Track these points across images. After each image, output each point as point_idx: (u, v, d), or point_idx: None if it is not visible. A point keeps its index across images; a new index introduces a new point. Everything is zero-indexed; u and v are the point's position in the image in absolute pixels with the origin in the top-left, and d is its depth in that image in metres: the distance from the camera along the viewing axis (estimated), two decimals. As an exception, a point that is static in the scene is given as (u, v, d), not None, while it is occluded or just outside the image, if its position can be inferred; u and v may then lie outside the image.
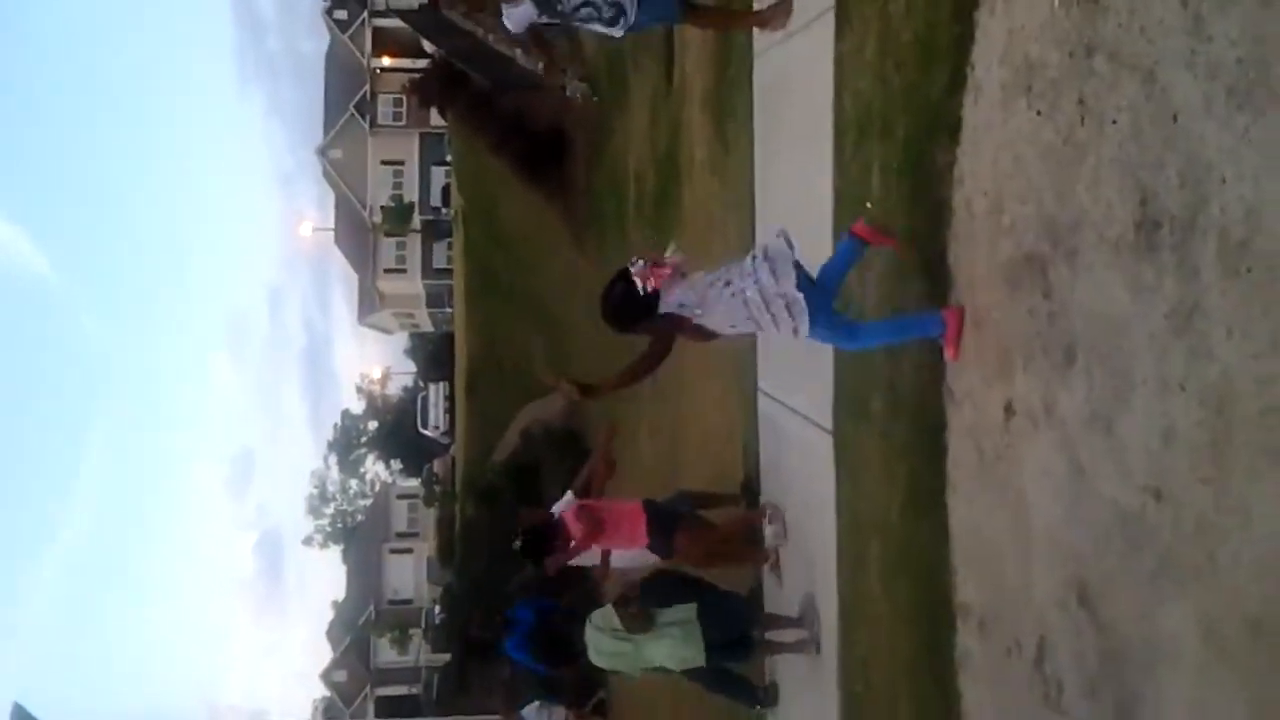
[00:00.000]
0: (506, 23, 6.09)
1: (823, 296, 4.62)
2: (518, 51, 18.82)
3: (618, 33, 6.10)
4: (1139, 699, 3.30)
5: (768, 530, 7.03)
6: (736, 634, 6.69)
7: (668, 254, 5.01)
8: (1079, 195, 3.55)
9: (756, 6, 7.03)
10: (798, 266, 4.55)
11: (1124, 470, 3.35)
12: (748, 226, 7.69)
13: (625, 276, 4.81)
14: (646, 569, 7.20)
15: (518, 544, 6.76)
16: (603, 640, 6.55)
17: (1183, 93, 3.04)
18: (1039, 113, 3.79)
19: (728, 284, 4.62)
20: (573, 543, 6.63)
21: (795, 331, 4.59)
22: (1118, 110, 3.33)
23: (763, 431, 7.57)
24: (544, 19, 6.00)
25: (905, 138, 4.95)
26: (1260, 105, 2.75)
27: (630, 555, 6.98)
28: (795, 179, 6.64)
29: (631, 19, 5.97)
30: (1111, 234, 3.37)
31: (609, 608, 6.55)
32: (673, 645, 6.36)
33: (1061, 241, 3.68)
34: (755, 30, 7.05)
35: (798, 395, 6.66)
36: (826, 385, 5.99)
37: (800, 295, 4.48)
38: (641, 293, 4.73)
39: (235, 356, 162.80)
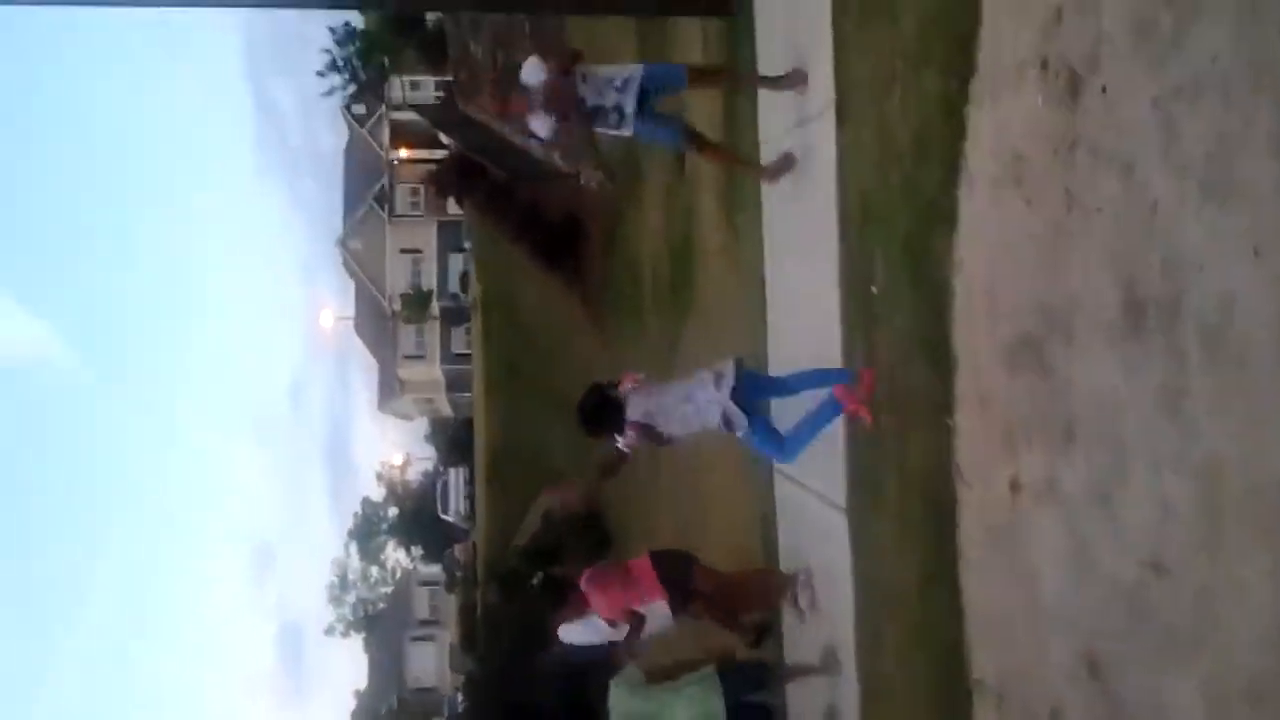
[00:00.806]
0: (537, 130, 6.43)
1: (764, 416, 5.92)
2: (532, 143, 19.29)
3: (626, 131, 6.41)
4: (1150, 769, 3.38)
5: (801, 598, 7.08)
6: (758, 693, 6.80)
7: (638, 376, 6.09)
8: (1070, 281, 3.73)
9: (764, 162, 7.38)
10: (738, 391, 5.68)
11: (1125, 545, 3.48)
12: (759, 313, 7.89)
13: (598, 389, 5.99)
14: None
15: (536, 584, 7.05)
16: (627, 701, 6.64)
17: (1159, 186, 3.23)
18: (1028, 203, 4.00)
19: (686, 399, 5.80)
20: (590, 612, 6.79)
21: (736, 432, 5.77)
22: (1100, 201, 3.53)
23: (780, 513, 7.68)
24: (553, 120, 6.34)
25: (906, 227, 5.16)
26: (1227, 198, 2.94)
27: (657, 619, 7.00)
28: (803, 267, 6.85)
29: (631, 124, 6.31)
30: (1102, 318, 3.54)
31: (632, 666, 6.67)
32: (692, 704, 6.45)
33: (1056, 324, 3.85)
34: (756, 173, 7.48)
35: (813, 476, 6.79)
36: (840, 465, 6.13)
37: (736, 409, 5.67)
38: (611, 402, 5.86)
39: (258, 446, 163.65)
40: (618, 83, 6.26)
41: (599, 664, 7.83)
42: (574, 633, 7.07)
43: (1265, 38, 2.80)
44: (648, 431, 5.84)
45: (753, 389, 5.85)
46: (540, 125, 6.38)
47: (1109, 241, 3.49)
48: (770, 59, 7.39)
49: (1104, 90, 3.50)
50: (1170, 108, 3.16)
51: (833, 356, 6.12)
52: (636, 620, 6.92)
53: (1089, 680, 3.70)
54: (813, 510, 6.81)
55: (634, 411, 5.80)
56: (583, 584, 6.90)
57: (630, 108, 6.24)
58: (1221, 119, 2.96)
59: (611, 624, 6.87)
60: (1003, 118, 4.20)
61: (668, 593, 6.91)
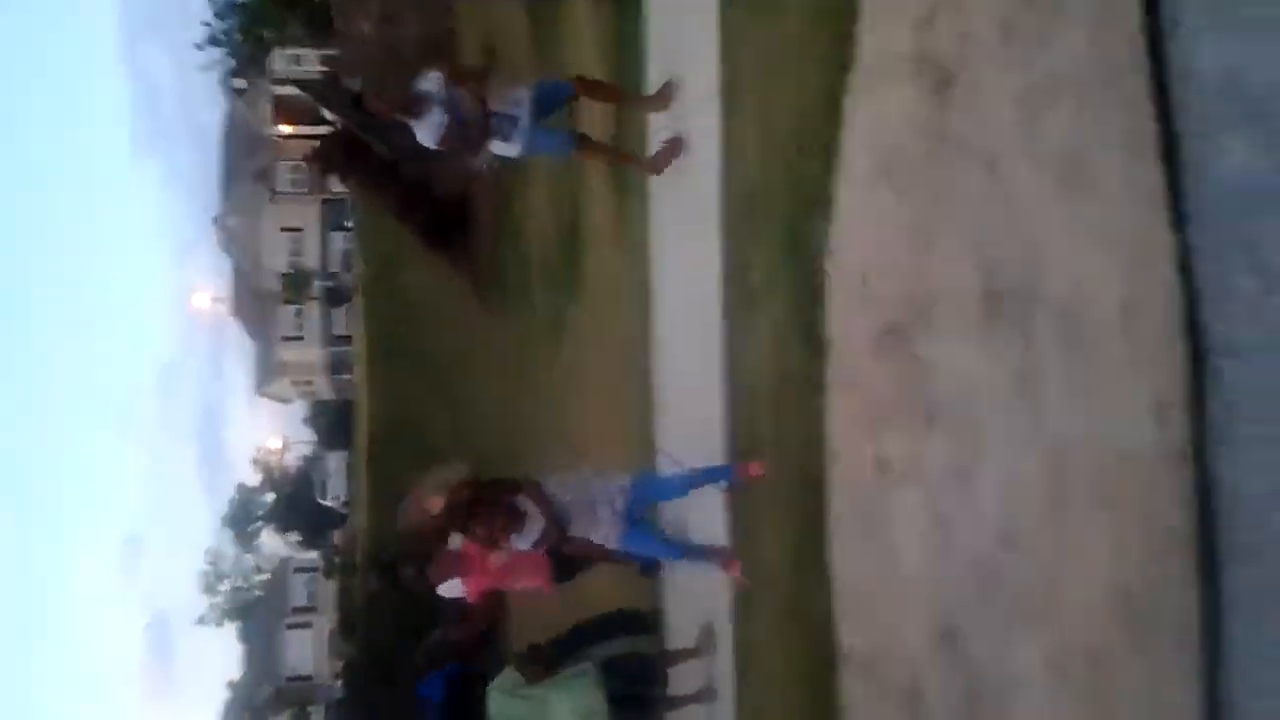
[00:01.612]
0: (420, 133, 6.40)
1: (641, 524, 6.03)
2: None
3: (515, 150, 6.55)
4: (998, 731, 3.59)
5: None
6: (640, 686, 6.86)
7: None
8: (935, 271, 3.92)
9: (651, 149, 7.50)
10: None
11: (979, 520, 3.68)
12: (645, 296, 7.99)
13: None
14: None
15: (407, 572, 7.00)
16: (506, 704, 6.60)
17: (1019, 179, 3.42)
18: (899, 194, 4.17)
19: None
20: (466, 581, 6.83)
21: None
22: (965, 193, 3.71)
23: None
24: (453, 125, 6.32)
25: (786, 214, 5.31)
26: (1082, 191, 3.13)
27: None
28: (687, 249, 6.97)
29: (525, 139, 6.46)
30: (963, 306, 3.73)
31: (509, 670, 6.66)
32: (574, 698, 6.47)
33: (922, 312, 4.03)
34: (639, 164, 7.60)
35: (693, 455, 6.93)
36: (719, 444, 6.27)
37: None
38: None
39: (126, 435, 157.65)
40: (513, 99, 6.43)
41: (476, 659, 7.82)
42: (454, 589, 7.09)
43: (1118, 41, 2.99)
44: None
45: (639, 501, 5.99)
46: (426, 134, 6.37)
47: (971, 232, 3.67)
48: (659, 46, 7.50)
49: (972, 87, 3.67)
50: (1031, 105, 3.34)
51: (714, 341, 6.26)
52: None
53: (946, 650, 3.90)
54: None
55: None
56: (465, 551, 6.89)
57: (525, 123, 6.41)
58: (1077, 118, 3.14)
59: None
60: (878, 110, 4.37)
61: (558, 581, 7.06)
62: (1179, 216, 2.72)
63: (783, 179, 5.37)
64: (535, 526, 5.74)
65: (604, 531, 5.83)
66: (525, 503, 5.75)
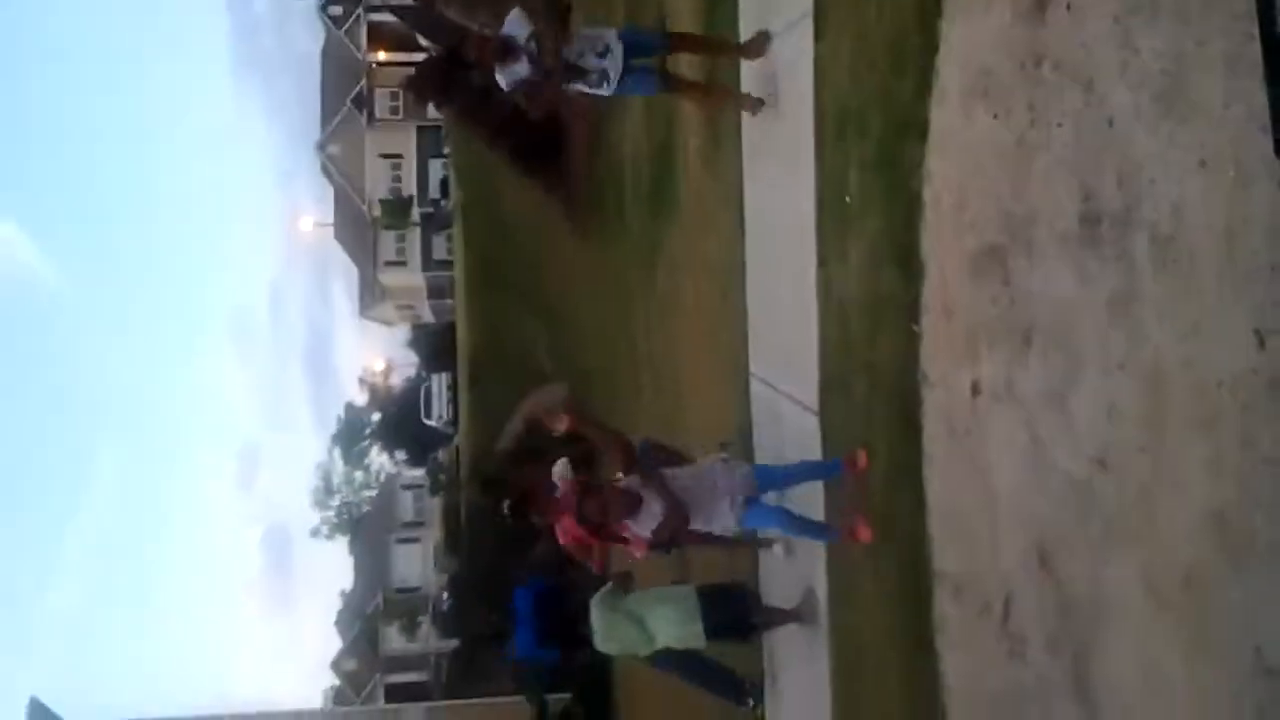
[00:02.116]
0: (500, 80, 6.41)
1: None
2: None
3: (605, 92, 6.53)
4: (1092, 649, 3.64)
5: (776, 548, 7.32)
6: (735, 616, 7.00)
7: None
8: (1032, 193, 3.88)
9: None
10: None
11: (1075, 442, 3.69)
12: (738, 220, 8.01)
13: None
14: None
15: (507, 510, 7.11)
16: (607, 616, 6.83)
17: (1117, 100, 3.37)
18: (995, 116, 4.12)
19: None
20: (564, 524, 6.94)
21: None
22: (1063, 115, 3.66)
23: (756, 414, 7.91)
24: (535, 76, 6.32)
25: (879, 136, 5.28)
26: (1181, 113, 3.08)
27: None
28: (780, 173, 6.96)
29: (614, 86, 6.42)
30: (1060, 228, 3.70)
31: (610, 585, 6.87)
32: (670, 622, 6.65)
33: (1018, 235, 4.01)
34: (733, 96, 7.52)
35: (787, 380, 7.00)
36: (812, 369, 6.32)
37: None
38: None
39: (239, 352, 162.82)
40: (599, 48, 6.32)
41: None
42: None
43: (1221, -42, 2.91)
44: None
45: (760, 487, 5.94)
46: (505, 80, 6.37)
47: (1069, 155, 3.63)
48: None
49: (1068, 7, 3.60)
50: (1129, 25, 3.27)
51: (808, 264, 6.28)
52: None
53: (1039, 570, 3.95)
54: (787, 413, 7.03)
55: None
56: (563, 494, 6.94)
57: (615, 74, 6.35)
58: (1177, 37, 3.08)
59: None
60: (973, 31, 4.30)
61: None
62: (1281, 139, 2.66)
63: (877, 100, 5.32)
64: (653, 514, 5.60)
65: (723, 523, 5.75)
66: (644, 489, 5.64)
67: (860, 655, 5.88)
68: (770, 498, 6.22)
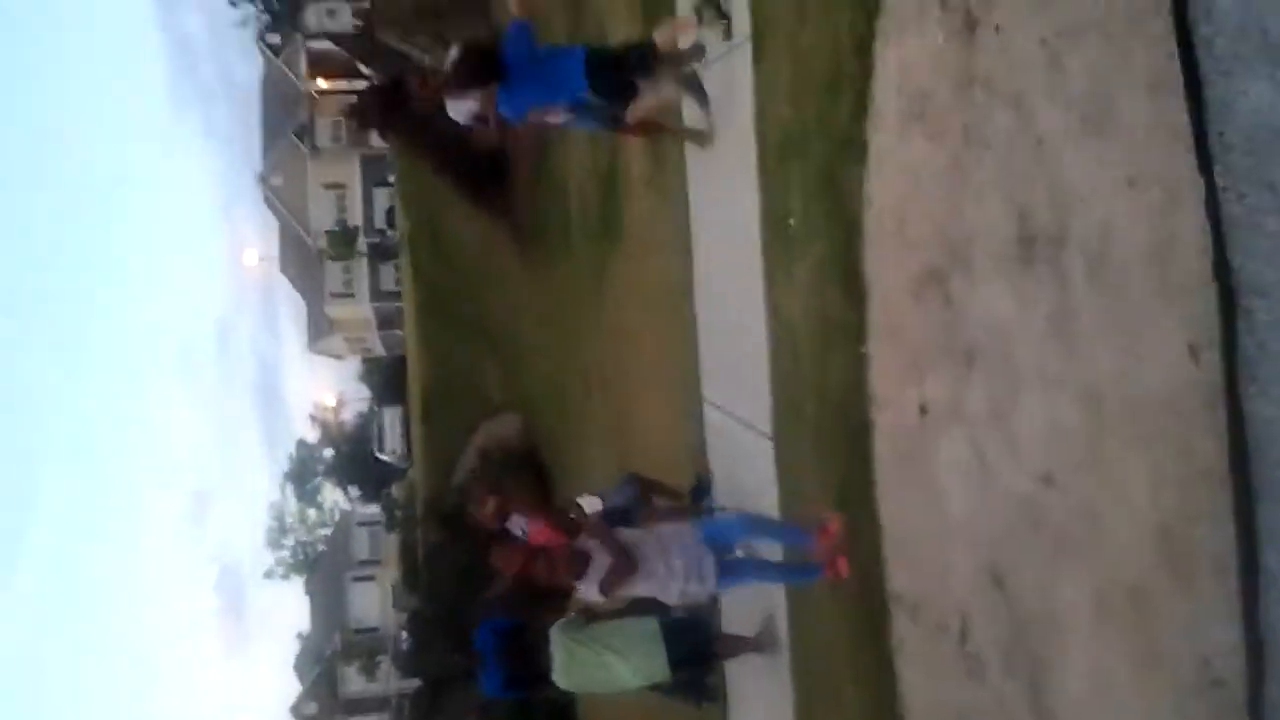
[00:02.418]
0: (450, 112, 6.40)
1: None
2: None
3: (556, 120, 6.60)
4: (1047, 665, 3.66)
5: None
6: (697, 647, 6.95)
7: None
8: (968, 214, 3.93)
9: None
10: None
11: (1020, 460, 3.72)
12: (685, 243, 8.04)
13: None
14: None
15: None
16: (570, 649, 6.68)
17: (1046, 120, 3.42)
18: (930, 138, 4.17)
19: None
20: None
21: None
22: (994, 136, 3.72)
23: (710, 442, 7.91)
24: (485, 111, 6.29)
25: (820, 160, 5.32)
26: (1108, 132, 3.13)
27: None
28: (724, 197, 6.99)
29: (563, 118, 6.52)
30: (997, 249, 3.75)
31: (574, 616, 6.75)
32: (636, 659, 6.55)
33: (957, 255, 4.05)
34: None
35: (739, 403, 7.01)
36: (764, 392, 6.34)
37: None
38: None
39: (187, 390, 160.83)
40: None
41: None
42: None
43: (1142, -20, 2.96)
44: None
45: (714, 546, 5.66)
46: (457, 110, 6.38)
47: (1002, 175, 3.68)
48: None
49: (997, 29, 3.66)
50: (1056, 46, 3.33)
51: (755, 288, 6.30)
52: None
53: (992, 589, 3.97)
54: (741, 438, 7.04)
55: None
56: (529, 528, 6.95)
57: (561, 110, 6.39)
58: (1102, 58, 3.13)
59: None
60: (907, 54, 4.35)
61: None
62: (1205, 157, 2.72)
63: (816, 125, 5.37)
64: (599, 568, 5.43)
65: (678, 592, 5.56)
66: (589, 544, 5.51)
67: (820, 676, 5.88)
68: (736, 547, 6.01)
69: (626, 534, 5.69)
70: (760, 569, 6.08)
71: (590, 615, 6.72)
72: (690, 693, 7.43)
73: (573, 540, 5.78)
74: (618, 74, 6.15)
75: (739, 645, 7.00)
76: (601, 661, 6.53)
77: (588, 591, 5.49)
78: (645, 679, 6.64)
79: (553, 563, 5.46)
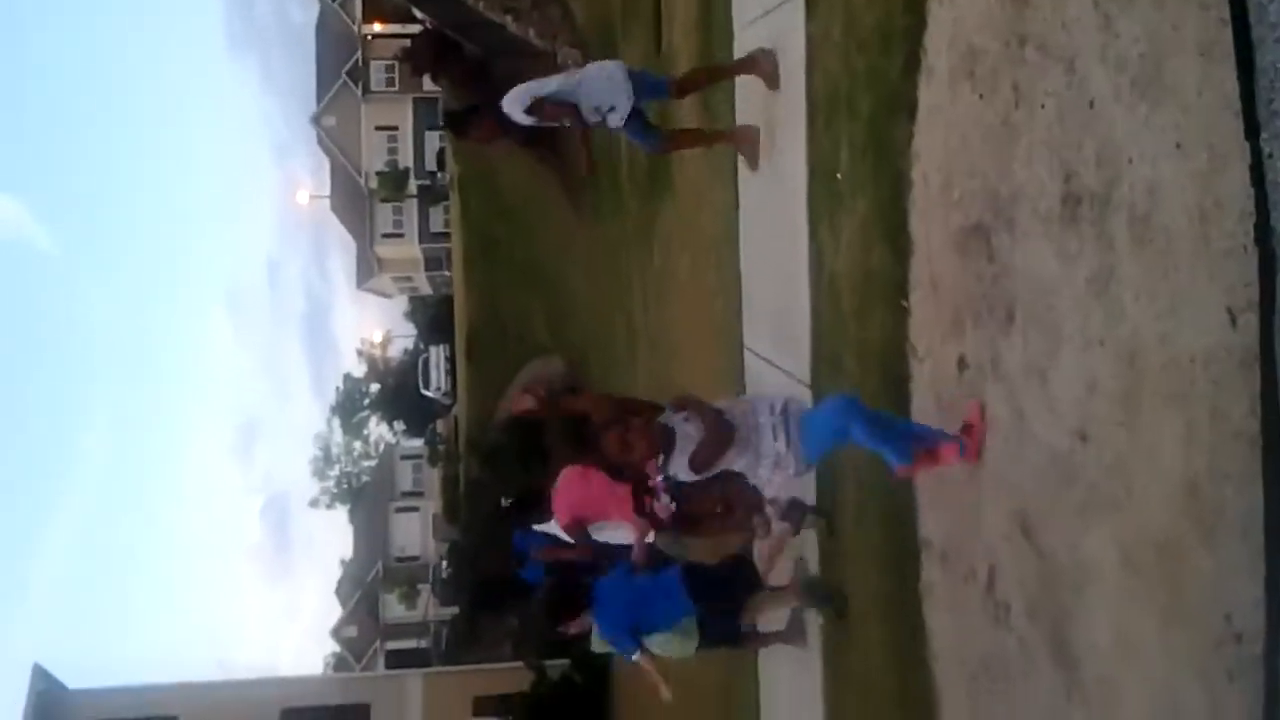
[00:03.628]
0: (506, 107, 6.43)
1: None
2: (508, 19, 19.06)
3: (613, 125, 6.64)
4: (1071, 615, 3.76)
5: (777, 526, 7.25)
6: (728, 626, 6.88)
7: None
8: (1015, 172, 3.97)
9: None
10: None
11: (1056, 416, 3.80)
12: (732, 196, 8.09)
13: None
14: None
15: (505, 502, 6.98)
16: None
17: (1097, 82, 3.44)
18: (980, 96, 4.20)
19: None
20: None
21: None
22: (1045, 96, 3.74)
23: (750, 387, 8.02)
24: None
25: (869, 115, 5.35)
26: (1157, 96, 3.16)
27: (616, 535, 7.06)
28: (773, 150, 7.03)
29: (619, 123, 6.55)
30: (1042, 207, 3.79)
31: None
32: (669, 644, 6.67)
33: (1002, 213, 4.10)
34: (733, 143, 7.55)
35: (779, 352, 7.10)
36: (805, 342, 6.42)
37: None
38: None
39: (237, 324, 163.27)
40: (607, 102, 6.44)
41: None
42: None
43: (1197, -57, 2.98)
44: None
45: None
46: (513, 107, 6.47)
47: (1051, 135, 3.71)
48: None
49: (1051, -12, 3.67)
50: (1108, 9, 3.35)
51: (800, 240, 6.36)
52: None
53: (1021, 538, 4.07)
54: (780, 386, 7.13)
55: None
56: (559, 483, 6.92)
57: (619, 119, 6.50)
58: (1153, 22, 3.15)
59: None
60: (960, 11, 4.37)
61: (639, 523, 6.77)
62: (1253, 123, 2.75)
63: (866, 80, 5.39)
64: (689, 439, 4.62)
65: (773, 467, 4.66)
66: (673, 418, 4.69)
67: (849, 619, 6.02)
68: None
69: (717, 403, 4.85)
70: (862, 424, 4.63)
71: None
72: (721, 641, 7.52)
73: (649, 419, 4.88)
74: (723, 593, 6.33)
75: (775, 601, 7.09)
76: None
77: (677, 469, 4.65)
78: (678, 649, 6.75)
79: (628, 439, 4.58)
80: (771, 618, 7.07)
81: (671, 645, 6.64)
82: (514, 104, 6.33)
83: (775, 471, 4.66)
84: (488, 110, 6.49)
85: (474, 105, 6.71)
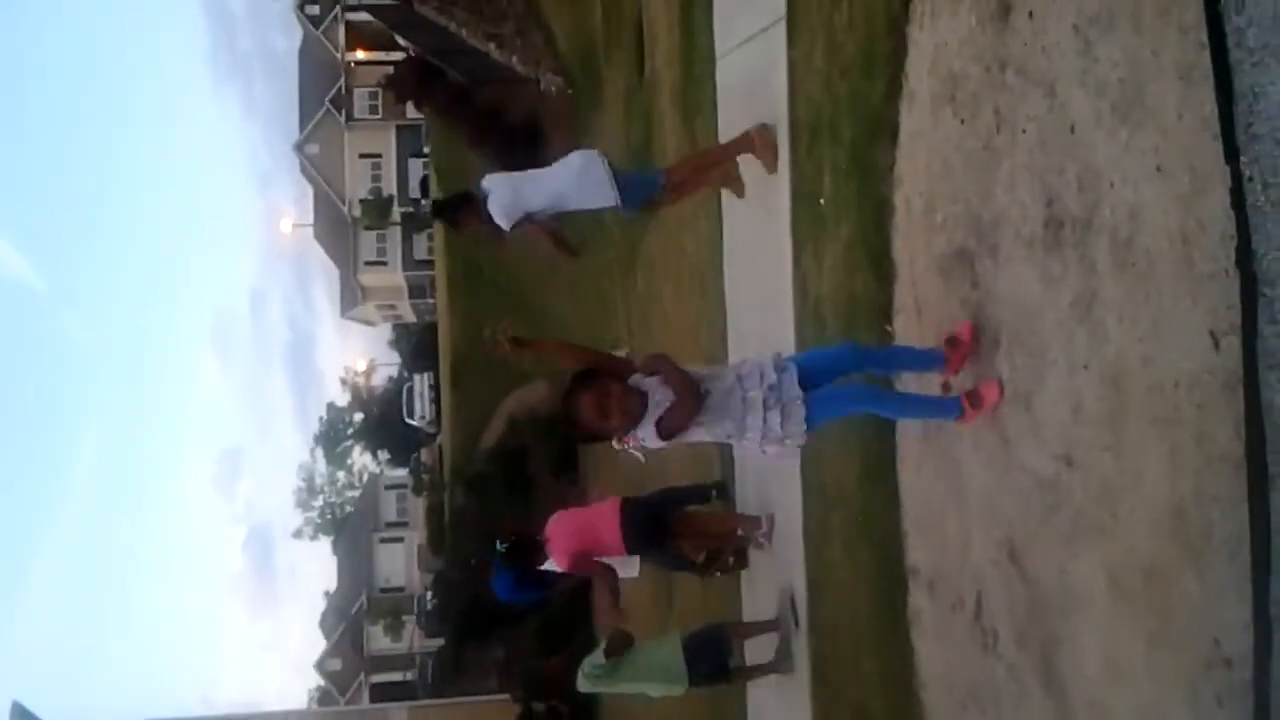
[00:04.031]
0: (494, 211, 6.37)
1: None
2: (491, 46, 19.14)
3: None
4: (1059, 641, 3.74)
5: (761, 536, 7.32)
6: (717, 665, 7.04)
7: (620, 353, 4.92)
8: (998, 196, 3.97)
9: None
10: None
11: (1041, 441, 3.78)
12: (715, 218, 8.09)
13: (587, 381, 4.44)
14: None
15: (501, 547, 6.89)
16: (597, 686, 6.88)
17: (1078, 106, 3.45)
18: (962, 121, 4.21)
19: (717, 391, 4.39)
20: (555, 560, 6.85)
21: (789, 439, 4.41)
22: (1026, 120, 3.75)
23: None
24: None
25: (851, 140, 5.36)
26: (1138, 120, 3.17)
27: (621, 567, 7.06)
28: (758, 173, 7.03)
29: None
30: (1025, 231, 3.80)
31: (606, 645, 6.82)
32: (656, 656, 6.70)
33: (985, 238, 4.10)
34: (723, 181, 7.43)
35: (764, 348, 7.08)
36: (789, 338, 6.35)
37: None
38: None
39: (220, 354, 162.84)
40: (593, 206, 6.43)
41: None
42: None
43: (1175, -31, 2.99)
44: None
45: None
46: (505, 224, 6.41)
47: (1033, 159, 3.72)
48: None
49: (1030, 15, 3.69)
50: (1088, 33, 3.36)
51: (784, 265, 6.36)
52: (606, 570, 6.87)
53: (1008, 564, 4.04)
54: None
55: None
56: (548, 529, 6.94)
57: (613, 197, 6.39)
58: (1133, 46, 3.17)
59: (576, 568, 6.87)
60: (941, 37, 4.38)
61: (627, 546, 6.94)
62: (1233, 147, 2.76)
63: (849, 105, 5.41)
64: (660, 407, 4.32)
65: (747, 427, 4.33)
66: (646, 381, 4.40)
67: (837, 647, 5.98)
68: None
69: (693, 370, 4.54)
70: (872, 396, 4.71)
71: (621, 646, 6.74)
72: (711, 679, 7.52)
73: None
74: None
75: (760, 629, 7.12)
76: (627, 691, 6.70)
77: (646, 436, 4.40)
78: (665, 693, 6.81)
79: (604, 401, 4.28)
80: (759, 648, 7.10)
81: (661, 686, 6.73)
82: (501, 214, 6.29)
83: (767, 444, 4.39)
84: (472, 206, 6.42)
85: (463, 195, 6.60)
